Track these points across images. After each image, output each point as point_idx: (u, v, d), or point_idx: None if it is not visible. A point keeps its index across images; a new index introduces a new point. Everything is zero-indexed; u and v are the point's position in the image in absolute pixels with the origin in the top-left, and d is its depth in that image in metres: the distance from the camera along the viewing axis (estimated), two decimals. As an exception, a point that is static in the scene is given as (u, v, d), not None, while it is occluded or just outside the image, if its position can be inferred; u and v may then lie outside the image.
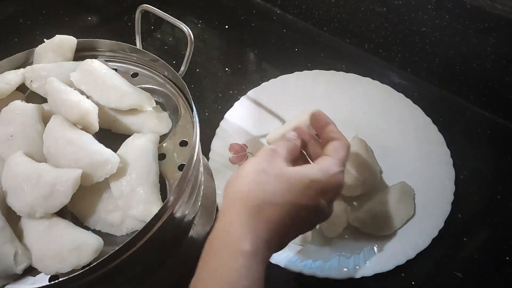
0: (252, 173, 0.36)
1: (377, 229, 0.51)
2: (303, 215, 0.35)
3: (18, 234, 0.41)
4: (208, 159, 0.58)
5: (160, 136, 0.48)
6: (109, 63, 0.53)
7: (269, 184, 0.35)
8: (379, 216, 0.51)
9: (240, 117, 0.63)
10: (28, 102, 0.49)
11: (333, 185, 0.37)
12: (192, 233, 0.47)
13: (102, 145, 0.43)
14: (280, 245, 0.36)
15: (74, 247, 0.38)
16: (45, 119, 0.46)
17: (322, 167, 0.37)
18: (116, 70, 0.53)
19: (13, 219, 0.41)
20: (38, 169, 0.41)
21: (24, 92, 0.52)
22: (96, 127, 0.45)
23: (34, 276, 0.40)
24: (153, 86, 0.52)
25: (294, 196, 0.35)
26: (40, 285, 0.33)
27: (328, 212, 0.38)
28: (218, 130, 0.61)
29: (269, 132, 0.61)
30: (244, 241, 0.32)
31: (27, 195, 0.39)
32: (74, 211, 0.42)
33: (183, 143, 0.47)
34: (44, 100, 0.51)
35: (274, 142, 0.41)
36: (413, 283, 0.49)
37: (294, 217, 0.35)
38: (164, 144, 0.47)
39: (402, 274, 0.49)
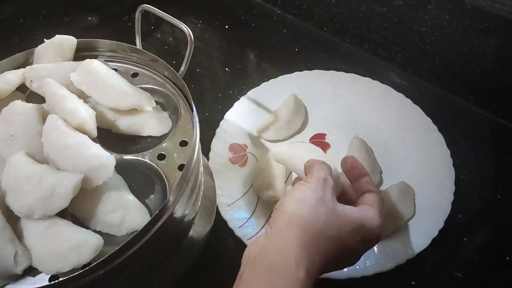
0: (312, 199, 0.36)
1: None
2: (345, 255, 0.37)
3: (18, 234, 0.41)
4: (208, 159, 0.58)
5: (160, 136, 0.48)
6: (109, 63, 0.53)
7: (327, 216, 0.36)
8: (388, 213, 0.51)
9: (240, 117, 0.63)
10: (28, 102, 0.49)
11: (374, 236, 0.38)
12: (192, 233, 0.47)
13: (98, 146, 0.42)
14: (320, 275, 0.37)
15: (74, 246, 0.38)
16: (45, 119, 0.46)
17: (369, 215, 0.38)
18: (116, 70, 0.53)
19: (13, 219, 0.41)
20: (39, 170, 0.40)
21: (24, 92, 0.52)
22: (93, 134, 0.45)
23: (34, 276, 0.40)
24: (153, 86, 0.52)
25: (345, 235, 0.36)
26: (40, 285, 0.33)
27: (358, 259, 0.39)
28: (218, 130, 0.61)
29: (259, 124, 0.62)
30: (300, 269, 0.33)
31: (27, 196, 0.39)
32: (74, 213, 0.42)
33: (183, 143, 0.47)
34: (44, 100, 0.51)
35: (320, 171, 0.40)
36: (413, 283, 0.49)
37: (339, 254, 0.36)
38: (164, 144, 0.47)
39: (402, 274, 0.49)
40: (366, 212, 0.39)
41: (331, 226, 0.36)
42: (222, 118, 0.63)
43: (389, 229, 0.51)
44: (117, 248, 0.34)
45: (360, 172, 0.43)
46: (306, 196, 0.37)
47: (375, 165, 0.57)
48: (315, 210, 0.36)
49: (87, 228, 0.42)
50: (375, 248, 0.50)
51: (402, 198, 0.53)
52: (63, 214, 0.42)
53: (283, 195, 0.38)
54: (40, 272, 0.40)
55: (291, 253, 0.33)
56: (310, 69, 0.69)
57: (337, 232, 0.36)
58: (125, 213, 0.41)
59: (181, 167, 0.44)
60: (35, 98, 0.51)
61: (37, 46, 0.53)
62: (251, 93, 0.66)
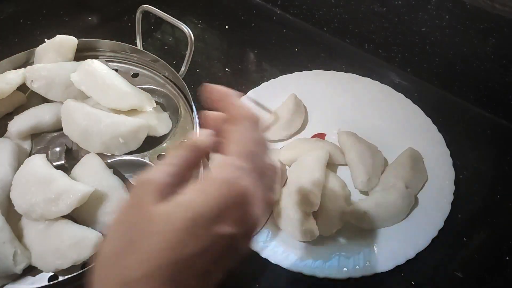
0: (114, 230, 0.26)
1: (384, 219, 0.52)
2: (198, 264, 0.25)
3: (18, 233, 0.41)
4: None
5: (160, 137, 0.48)
6: (110, 64, 0.53)
7: (132, 246, 0.24)
8: (385, 204, 0.52)
9: (240, 117, 0.63)
10: (28, 102, 0.49)
11: (233, 201, 0.26)
12: (192, 233, 0.47)
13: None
14: None
15: (73, 242, 0.38)
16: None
17: (207, 186, 0.26)
18: (116, 70, 0.53)
19: (13, 219, 0.41)
20: (54, 174, 0.41)
21: (24, 92, 0.52)
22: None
23: (34, 276, 0.40)
24: (154, 87, 0.52)
25: (173, 250, 0.24)
26: (40, 285, 0.33)
27: (245, 238, 0.28)
28: (218, 130, 0.61)
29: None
30: None
31: (32, 195, 0.39)
32: (73, 215, 0.42)
33: (183, 144, 0.47)
34: (44, 100, 0.51)
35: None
36: (413, 283, 0.49)
37: (183, 277, 0.24)
38: (164, 145, 0.47)
39: (402, 274, 0.49)
40: (206, 179, 0.27)
41: (140, 262, 0.24)
42: (222, 118, 0.63)
43: (415, 191, 0.54)
44: (117, 248, 0.34)
45: (220, 93, 0.32)
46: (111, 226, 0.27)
47: (371, 148, 0.58)
48: (113, 248, 0.25)
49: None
50: (375, 248, 0.50)
51: (414, 165, 0.55)
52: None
53: None
54: (39, 272, 0.40)
55: None
56: (310, 69, 0.69)
57: (157, 259, 0.24)
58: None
59: (181, 167, 0.44)
60: (36, 98, 0.51)
61: (37, 46, 0.54)
62: (251, 93, 0.66)
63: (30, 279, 0.40)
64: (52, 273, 0.39)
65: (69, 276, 0.34)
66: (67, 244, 0.38)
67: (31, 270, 0.40)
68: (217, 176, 0.27)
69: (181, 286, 0.24)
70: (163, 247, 0.24)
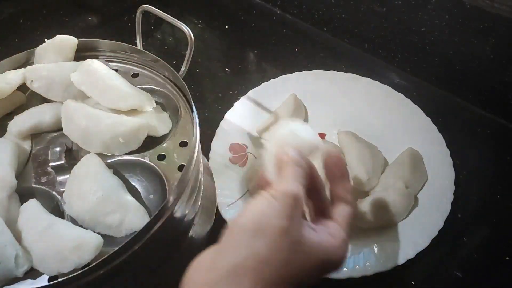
0: (274, 230, 0.29)
1: (383, 219, 0.52)
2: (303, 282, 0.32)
3: (17, 235, 0.40)
4: (208, 159, 0.58)
5: (160, 137, 0.48)
6: (110, 64, 0.53)
7: (289, 253, 0.30)
8: (384, 204, 0.52)
9: (240, 117, 0.63)
10: (28, 102, 0.49)
11: (334, 268, 0.33)
12: (192, 233, 0.47)
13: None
14: None
15: (74, 246, 0.38)
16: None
17: (335, 243, 0.33)
18: (116, 70, 0.53)
19: (12, 220, 0.41)
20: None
21: (24, 92, 0.52)
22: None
23: (35, 278, 0.40)
24: (154, 87, 0.52)
25: (304, 273, 0.31)
26: (40, 285, 0.33)
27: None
28: (218, 130, 0.61)
29: (259, 124, 0.62)
30: None
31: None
32: (73, 215, 0.42)
33: (183, 144, 0.47)
34: (44, 100, 0.51)
35: (289, 176, 0.33)
36: (413, 283, 0.49)
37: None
38: (164, 145, 0.47)
39: (402, 274, 0.49)
40: (333, 240, 0.33)
41: (291, 266, 0.30)
42: (222, 118, 0.63)
43: (415, 191, 0.54)
44: (117, 248, 0.34)
45: (342, 173, 0.38)
46: (269, 224, 0.30)
47: (371, 148, 0.58)
48: (276, 246, 0.29)
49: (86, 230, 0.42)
50: (375, 248, 0.50)
51: (414, 165, 0.55)
52: (62, 215, 0.42)
53: (243, 209, 0.32)
54: (40, 274, 0.39)
55: None
56: (310, 69, 0.69)
57: (297, 271, 0.30)
58: (124, 214, 0.41)
59: (181, 168, 0.45)
60: (36, 98, 0.51)
61: (37, 46, 0.53)
62: (251, 93, 0.66)
63: (30, 279, 0.40)
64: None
65: (70, 276, 0.34)
66: (68, 248, 0.38)
67: (31, 272, 0.40)
68: (344, 245, 0.34)
69: None
70: (300, 267, 0.30)
